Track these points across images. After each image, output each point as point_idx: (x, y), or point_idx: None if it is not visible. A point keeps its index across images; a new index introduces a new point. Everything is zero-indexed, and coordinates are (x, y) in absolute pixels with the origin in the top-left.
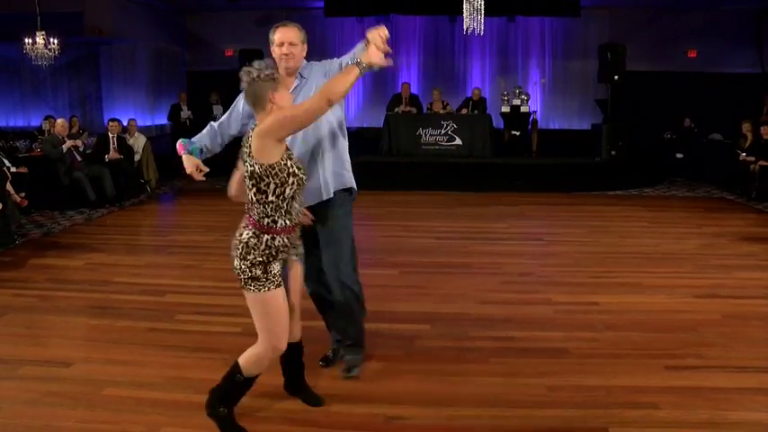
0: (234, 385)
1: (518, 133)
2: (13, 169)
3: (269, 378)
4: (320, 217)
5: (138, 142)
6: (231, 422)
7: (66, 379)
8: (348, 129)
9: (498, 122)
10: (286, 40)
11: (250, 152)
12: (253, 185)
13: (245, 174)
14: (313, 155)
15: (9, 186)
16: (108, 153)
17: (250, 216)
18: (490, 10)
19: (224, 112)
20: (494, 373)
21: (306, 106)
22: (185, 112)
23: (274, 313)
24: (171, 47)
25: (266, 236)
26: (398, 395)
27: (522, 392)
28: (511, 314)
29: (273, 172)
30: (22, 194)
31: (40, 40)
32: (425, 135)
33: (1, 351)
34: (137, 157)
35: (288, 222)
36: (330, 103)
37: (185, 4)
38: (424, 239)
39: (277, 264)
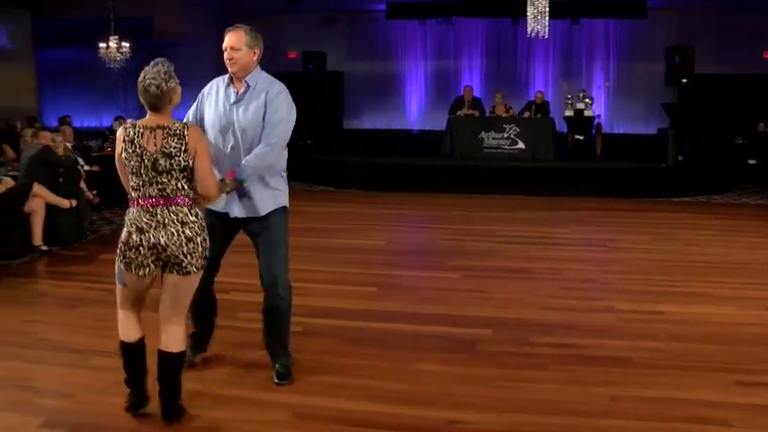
0: (182, 366)
1: (582, 137)
2: (86, 167)
3: (316, 377)
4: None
5: None
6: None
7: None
8: (409, 131)
9: (561, 126)
10: (228, 45)
11: (185, 149)
12: (183, 176)
13: (175, 167)
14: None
15: (83, 184)
16: None
17: (177, 197)
18: (554, 12)
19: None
20: (555, 380)
21: (209, 171)
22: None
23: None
24: None
25: (196, 209)
26: (459, 399)
27: (585, 401)
28: (572, 321)
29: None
30: (94, 192)
31: (112, 44)
32: (487, 138)
33: (74, 341)
34: None
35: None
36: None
37: (248, 6)
38: (485, 243)
39: None
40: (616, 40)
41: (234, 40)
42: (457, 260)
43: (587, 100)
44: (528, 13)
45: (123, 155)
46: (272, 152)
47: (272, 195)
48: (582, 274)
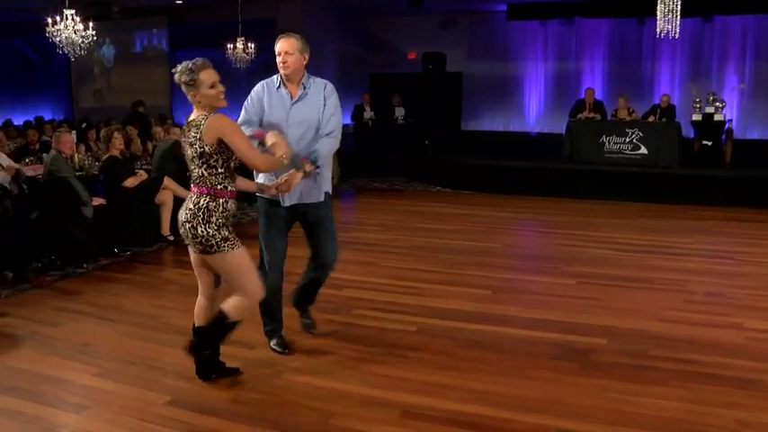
0: (222, 328)
1: (710, 143)
2: None
3: (428, 377)
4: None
5: None
6: (216, 362)
7: (250, 360)
8: (528, 134)
9: (688, 131)
10: (282, 50)
11: (200, 137)
12: (203, 163)
13: (195, 154)
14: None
15: None
16: None
17: (201, 187)
18: (685, 11)
19: (406, 114)
20: (675, 397)
21: (246, 149)
22: (368, 113)
23: (247, 267)
24: (356, 49)
25: (221, 199)
26: (570, 408)
27: (708, 423)
28: (694, 336)
29: (220, 150)
30: None
31: (239, 45)
32: (609, 143)
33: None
34: None
35: (233, 188)
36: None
37: (369, 8)
38: (603, 250)
39: (232, 229)
40: (754, 39)
41: (287, 46)
42: (573, 266)
43: (718, 103)
44: (658, 12)
45: None
46: (335, 141)
47: (326, 183)
48: (706, 286)
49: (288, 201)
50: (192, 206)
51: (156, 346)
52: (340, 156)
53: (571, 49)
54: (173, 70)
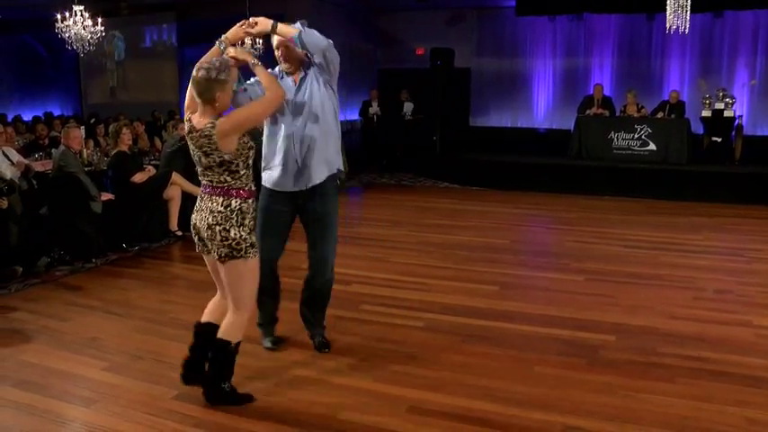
0: (229, 356)
1: (719, 139)
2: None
3: (435, 373)
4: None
5: None
6: (236, 393)
7: (260, 356)
8: (536, 130)
9: (697, 127)
10: (278, 44)
11: (216, 147)
12: (224, 170)
13: (213, 163)
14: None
15: None
16: None
17: (229, 189)
18: (695, 6)
19: (414, 109)
20: (683, 394)
21: (262, 109)
22: (373, 108)
23: (256, 279)
24: (364, 45)
25: (251, 199)
26: (578, 405)
27: (716, 420)
28: (704, 333)
29: (239, 154)
30: None
31: (247, 40)
32: (617, 139)
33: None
34: None
35: (253, 188)
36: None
37: (377, 3)
38: (612, 246)
39: None
40: (766, 34)
41: (285, 40)
42: (582, 263)
43: (728, 99)
44: (667, 8)
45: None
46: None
47: (325, 166)
48: (716, 284)
49: (292, 185)
50: (222, 209)
51: (163, 340)
52: (348, 151)
53: (580, 45)
54: (202, 67)
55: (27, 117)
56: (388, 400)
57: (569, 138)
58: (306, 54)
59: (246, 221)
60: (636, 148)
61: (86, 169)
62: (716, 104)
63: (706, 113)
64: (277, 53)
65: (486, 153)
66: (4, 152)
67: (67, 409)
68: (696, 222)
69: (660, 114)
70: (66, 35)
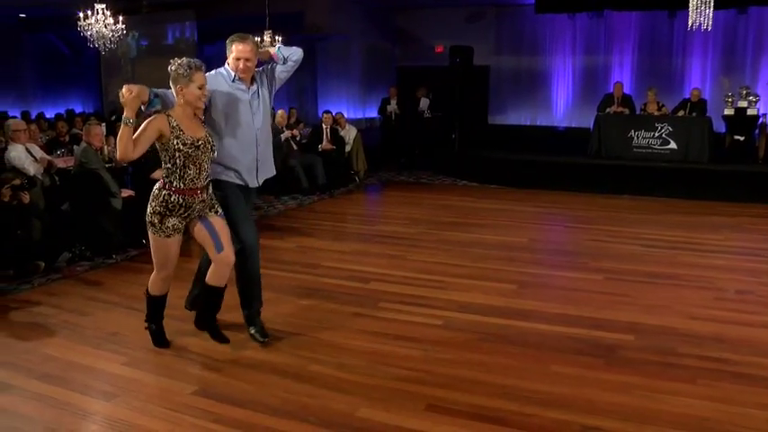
0: (149, 302)
1: (742, 138)
2: None
3: (453, 371)
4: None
5: (350, 134)
6: (160, 333)
7: (279, 351)
8: (555, 128)
9: (719, 126)
10: (243, 56)
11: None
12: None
13: None
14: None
15: None
16: (321, 143)
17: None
18: (719, 2)
19: (432, 107)
20: (702, 395)
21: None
22: (391, 106)
23: (159, 254)
24: (382, 43)
25: (164, 191)
26: (596, 405)
27: (736, 423)
28: (724, 334)
29: (164, 148)
30: None
31: (266, 38)
32: (637, 137)
33: (228, 318)
34: (347, 149)
35: (182, 185)
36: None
37: (396, 1)
38: (631, 246)
39: (174, 219)
40: None
41: (247, 52)
42: (600, 262)
43: (751, 97)
44: (690, 4)
45: None
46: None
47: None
48: (737, 284)
49: (256, 182)
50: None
51: (182, 336)
52: (366, 149)
53: (600, 43)
54: (170, 61)
55: (50, 114)
56: (407, 398)
57: (589, 136)
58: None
59: (153, 204)
60: (656, 146)
61: (107, 166)
62: (739, 102)
63: (728, 112)
64: (237, 63)
65: (504, 151)
66: (27, 149)
67: (88, 402)
68: (716, 222)
69: (681, 113)
70: (88, 33)
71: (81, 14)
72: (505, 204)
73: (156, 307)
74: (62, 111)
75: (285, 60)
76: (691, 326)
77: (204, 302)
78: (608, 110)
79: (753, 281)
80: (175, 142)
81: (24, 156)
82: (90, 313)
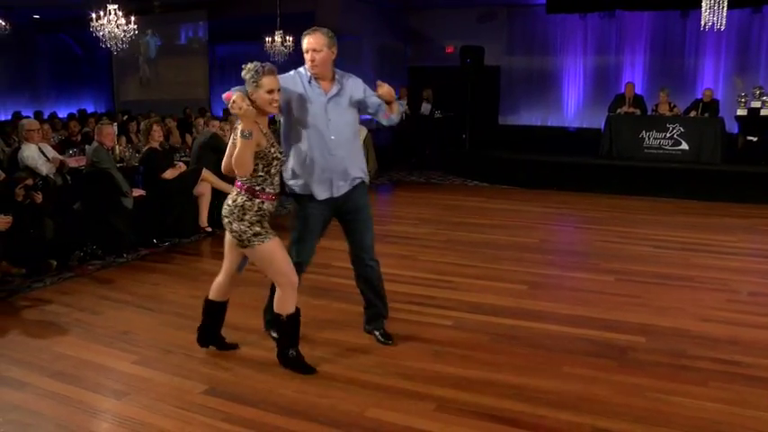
0: (283, 326)
1: (755, 139)
2: None
3: (464, 371)
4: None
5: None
6: (301, 360)
7: None
8: (566, 129)
9: (731, 126)
10: (310, 47)
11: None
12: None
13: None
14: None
15: None
16: None
17: (242, 184)
18: (733, 1)
19: (433, 109)
20: (715, 398)
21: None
22: (402, 107)
23: (278, 259)
24: (394, 43)
25: (257, 200)
26: (607, 407)
27: (749, 426)
28: (737, 336)
29: (260, 156)
30: None
31: (277, 38)
32: (649, 138)
33: (235, 319)
34: None
35: (272, 191)
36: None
37: (407, 1)
38: (642, 247)
39: (267, 223)
40: None
41: (314, 43)
42: (612, 263)
43: (765, 98)
44: (703, 4)
45: None
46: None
47: (356, 168)
48: (750, 286)
49: (322, 195)
50: (230, 203)
51: (193, 335)
52: (377, 149)
53: (611, 43)
54: (242, 66)
55: (62, 114)
56: (416, 399)
57: (600, 137)
58: (335, 60)
59: (246, 217)
60: (668, 147)
61: (118, 165)
62: (752, 103)
63: (741, 112)
64: (306, 56)
65: (515, 152)
66: (40, 148)
67: (100, 400)
68: (729, 223)
69: (693, 113)
70: (101, 33)
71: (93, 15)
72: (516, 205)
73: (296, 328)
74: (74, 110)
75: (389, 118)
76: (703, 328)
77: (204, 315)
78: (619, 110)
79: (766, 283)
80: (272, 150)
81: (37, 155)
82: (101, 312)
